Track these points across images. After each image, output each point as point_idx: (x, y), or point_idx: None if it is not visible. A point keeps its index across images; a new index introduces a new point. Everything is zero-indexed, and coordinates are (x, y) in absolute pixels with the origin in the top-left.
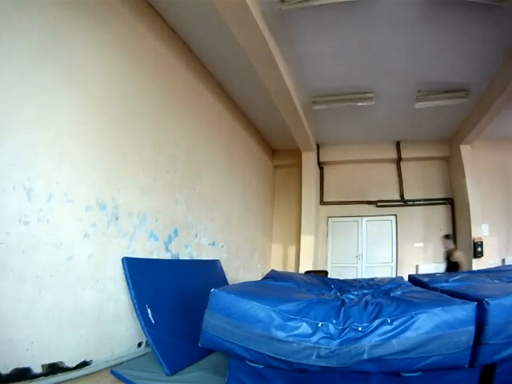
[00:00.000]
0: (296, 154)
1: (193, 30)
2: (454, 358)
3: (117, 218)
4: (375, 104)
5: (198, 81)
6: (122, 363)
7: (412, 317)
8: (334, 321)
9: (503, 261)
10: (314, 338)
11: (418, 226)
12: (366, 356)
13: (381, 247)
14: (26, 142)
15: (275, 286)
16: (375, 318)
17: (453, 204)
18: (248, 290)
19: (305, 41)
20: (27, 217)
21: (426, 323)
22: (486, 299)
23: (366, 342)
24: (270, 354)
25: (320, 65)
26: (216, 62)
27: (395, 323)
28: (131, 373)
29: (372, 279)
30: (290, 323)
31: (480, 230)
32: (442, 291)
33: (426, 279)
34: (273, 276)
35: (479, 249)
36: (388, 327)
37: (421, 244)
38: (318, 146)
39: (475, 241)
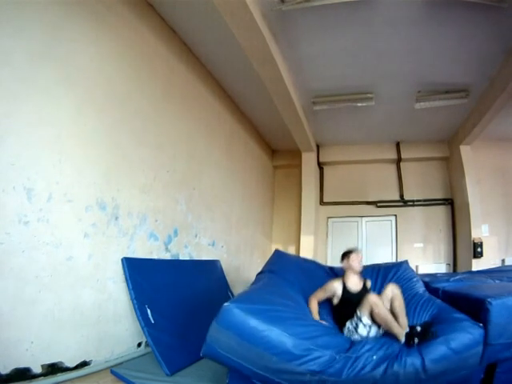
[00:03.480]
0: (296, 154)
1: (193, 30)
2: (462, 377)
3: (117, 218)
4: (375, 104)
5: (198, 81)
6: (121, 363)
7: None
8: (349, 353)
9: (503, 261)
10: (328, 370)
11: (417, 227)
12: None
13: (381, 247)
14: (26, 141)
15: (290, 298)
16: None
17: (453, 204)
18: (265, 308)
19: (305, 41)
20: (27, 217)
21: (432, 354)
22: (489, 299)
23: (377, 373)
24: (280, 381)
25: (320, 65)
26: (216, 62)
27: (403, 356)
28: (131, 373)
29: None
30: (306, 353)
31: (480, 230)
32: (444, 292)
33: (426, 279)
34: (274, 269)
35: (479, 249)
36: (399, 358)
37: (421, 244)
38: (318, 147)
39: (475, 241)
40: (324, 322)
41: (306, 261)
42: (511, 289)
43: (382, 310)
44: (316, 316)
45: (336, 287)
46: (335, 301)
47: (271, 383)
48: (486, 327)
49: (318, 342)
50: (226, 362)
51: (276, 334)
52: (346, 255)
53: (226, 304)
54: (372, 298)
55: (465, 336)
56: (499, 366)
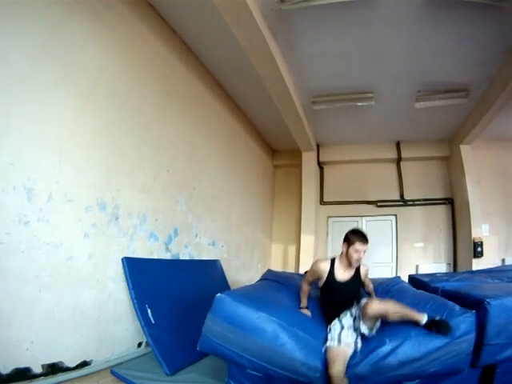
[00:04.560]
0: (296, 154)
1: (193, 30)
2: (455, 364)
3: (117, 218)
4: (375, 104)
5: (198, 81)
6: (122, 363)
7: (411, 336)
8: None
9: (503, 261)
10: (319, 355)
11: (417, 226)
12: (368, 371)
13: (381, 247)
14: (26, 141)
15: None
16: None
17: (453, 204)
18: (255, 297)
19: (305, 41)
20: (27, 217)
21: (425, 338)
22: (488, 299)
23: (370, 360)
24: (273, 368)
25: (320, 65)
26: (216, 62)
27: (394, 343)
28: (131, 373)
29: None
30: (297, 337)
31: (480, 229)
32: (443, 291)
33: (426, 279)
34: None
35: (479, 249)
36: (388, 347)
37: (421, 244)
38: (318, 146)
39: (475, 241)
40: (308, 312)
41: (297, 274)
42: (510, 289)
43: (396, 309)
44: (304, 300)
45: (322, 270)
46: (320, 283)
47: (266, 371)
48: (484, 327)
49: (304, 327)
50: (221, 352)
51: (265, 320)
52: (350, 239)
53: (218, 294)
54: (373, 306)
55: (458, 320)
56: (499, 366)
